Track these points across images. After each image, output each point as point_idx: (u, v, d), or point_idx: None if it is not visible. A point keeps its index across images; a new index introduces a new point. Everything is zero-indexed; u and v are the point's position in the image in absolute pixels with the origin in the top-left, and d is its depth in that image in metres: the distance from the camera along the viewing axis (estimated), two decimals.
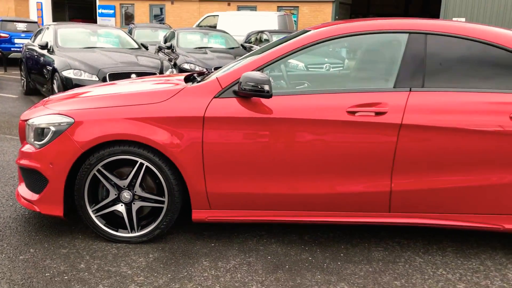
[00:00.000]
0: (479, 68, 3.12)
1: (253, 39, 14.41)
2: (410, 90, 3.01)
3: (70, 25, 9.76)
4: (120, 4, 26.90)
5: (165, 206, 3.12)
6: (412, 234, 3.46)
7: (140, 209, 3.18)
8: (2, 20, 17.18)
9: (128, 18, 26.95)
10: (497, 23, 18.17)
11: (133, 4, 26.51)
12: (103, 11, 27.46)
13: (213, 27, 19.32)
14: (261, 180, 3.04)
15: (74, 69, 7.61)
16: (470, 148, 2.96)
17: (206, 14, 20.81)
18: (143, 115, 3.01)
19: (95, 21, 27.87)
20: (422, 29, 3.12)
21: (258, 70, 3.05)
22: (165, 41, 13.20)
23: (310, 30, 3.30)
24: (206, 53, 11.13)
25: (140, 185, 3.13)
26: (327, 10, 21.37)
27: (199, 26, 19.92)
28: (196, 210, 3.13)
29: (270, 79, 2.91)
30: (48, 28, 9.61)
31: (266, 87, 2.86)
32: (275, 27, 18.08)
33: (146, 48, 9.78)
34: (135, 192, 3.12)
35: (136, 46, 9.63)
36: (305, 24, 22.01)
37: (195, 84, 3.17)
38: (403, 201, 3.06)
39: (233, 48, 12.13)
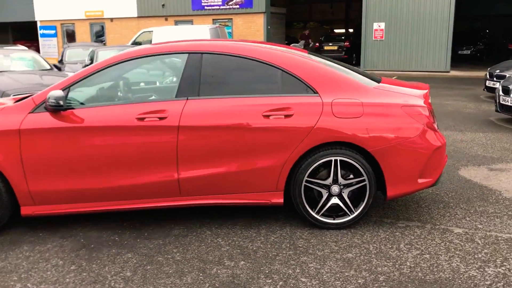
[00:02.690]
0: (242, 78, 3.95)
1: None
2: (187, 99, 3.79)
3: None
4: (61, 24, 27.22)
5: None
6: (216, 214, 4.23)
7: None
8: None
9: (70, 37, 27.29)
10: (413, 26, 19.50)
11: (74, 23, 26.88)
12: (45, 31, 27.73)
13: (149, 42, 20.00)
14: (75, 178, 3.75)
15: None
16: (236, 141, 3.76)
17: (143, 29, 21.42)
18: None
19: (38, 42, 28.11)
20: (199, 50, 3.92)
21: (65, 89, 3.78)
22: (91, 60, 13.81)
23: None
24: None
25: None
26: (259, 21, 22.35)
27: (135, 42, 20.56)
28: (24, 207, 3.81)
29: (64, 95, 3.64)
30: None
31: (61, 102, 3.60)
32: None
33: (59, 69, 10.40)
34: None
35: (48, 67, 10.22)
36: (239, 34, 22.92)
37: (15, 103, 3.88)
38: (190, 186, 3.82)
39: None
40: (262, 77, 3.94)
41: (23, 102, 3.81)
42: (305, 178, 3.83)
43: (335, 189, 3.86)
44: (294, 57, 3.99)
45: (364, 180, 3.85)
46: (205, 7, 23.19)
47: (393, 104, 3.85)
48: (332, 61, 4.44)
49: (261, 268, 3.26)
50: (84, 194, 3.79)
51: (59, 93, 3.62)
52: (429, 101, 4.16)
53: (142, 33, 20.97)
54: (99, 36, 26.59)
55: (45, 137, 3.71)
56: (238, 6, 22.51)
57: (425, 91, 4.17)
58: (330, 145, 3.81)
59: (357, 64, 21.70)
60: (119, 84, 4.17)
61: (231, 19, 22.98)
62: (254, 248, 3.58)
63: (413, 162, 3.86)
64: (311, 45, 23.48)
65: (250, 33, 22.64)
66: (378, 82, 4.25)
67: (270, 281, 3.10)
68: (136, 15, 24.90)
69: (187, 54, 3.91)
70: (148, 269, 3.27)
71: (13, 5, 29.07)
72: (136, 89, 4.23)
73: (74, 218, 4.17)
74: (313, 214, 3.89)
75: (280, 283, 3.07)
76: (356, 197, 3.92)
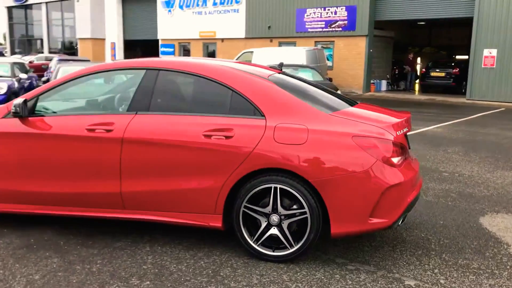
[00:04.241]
0: (194, 96, 3.92)
1: None
2: (136, 113, 3.85)
3: (72, 64, 11.50)
4: (179, 43, 29.33)
5: None
6: (171, 231, 4.18)
7: None
8: (59, 59, 19.88)
9: (186, 55, 29.27)
10: None
11: (189, 43, 28.80)
12: (164, 49, 30.09)
13: (249, 62, 20.67)
14: (31, 181, 3.99)
15: None
16: (176, 158, 3.71)
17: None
18: None
19: None
20: (156, 66, 3.97)
21: (33, 98, 4.06)
22: None
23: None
24: None
25: None
26: (361, 44, 21.79)
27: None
28: None
29: (22, 105, 3.90)
30: (55, 66, 11.42)
31: (18, 109, 3.88)
32: (304, 61, 18.97)
33: None
34: None
35: None
36: (340, 57, 22.58)
37: None
38: (133, 200, 3.85)
39: None
40: (213, 96, 3.86)
41: (0, 107, 4.18)
42: (244, 204, 3.63)
43: (274, 218, 3.60)
44: (249, 78, 3.85)
45: (306, 213, 3.54)
46: (309, 30, 23.29)
47: (343, 133, 3.50)
48: (309, 84, 4.22)
49: None
50: (39, 197, 4.01)
51: (19, 101, 3.91)
52: (402, 131, 3.72)
53: (243, 53, 21.72)
54: (211, 55, 28.10)
55: (12, 141, 4.02)
56: (340, 29, 22.24)
57: (396, 121, 3.74)
58: (271, 172, 3.58)
59: (465, 93, 20.05)
60: (82, 95, 4.39)
61: (333, 41, 22.76)
62: (174, 270, 3.47)
63: (361, 198, 3.46)
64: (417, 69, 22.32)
65: (351, 56, 22.19)
66: (352, 105, 3.95)
67: None
68: (244, 36, 25.88)
69: (145, 70, 3.98)
70: (58, 275, 3.35)
71: (141, 26, 32.11)
72: (95, 101, 4.41)
73: (45, 219, 4.41)
74: (250, 242, 3.66)
75: None
76: (301, 230, 3.62)
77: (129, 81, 4.22)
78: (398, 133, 3.64)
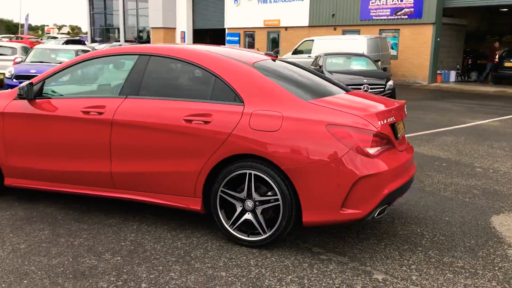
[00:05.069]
0: (180, 81, 4.01)
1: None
2: (126, 97, 4.01)
3: None
4: (244, 31, 29.62)
5: None
6: (162, 212, 4.33)
7: None
8: None
9: (250, 44, 29.51)
10: None
11: (254, 31, 28.98)
12: (230, 38, 30.52)
13: (310, 51, 20.51)
14: (33, 158, 4.30)
15: None
16: (158, 141, 3.83)
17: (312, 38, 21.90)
18: None
19: None
20: (148, 52, 4.10)
21: (40, 82, 4.35)
22: None
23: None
24: None
25: None
26: (427, 33, 20.78)
27: (296, 50, 21.27)
28: (7, 178, 4.52)
29: (26, 87, 4.19)
30: None
31: (21, 92, 4.18)
32: (364, 50, 18.48)
33: None
34: None
35: None
36: (405, 45, 21.71)
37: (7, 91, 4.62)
38: (122, 180, 4.03)
39: None
40: (197, 81, 3.94)
41: (12, 90, 4.53)
42: (221, 188, 3.69)
43: (248, 204, 3.63)
44: (232, 64, 3.87)
45: (278, 199, 3.53)
46: (373, 17, 22.58)
47: (317, 121, 3.44)
48: (306, 71, 4.20)
49: (125, 267, 3.30)
50: (49, 174, 4.30)
51: (23, 84, 4.21)
52: (386, 121, 3.59)
53: (304, 41, 21.52)
54: (274, 44, 28.10)
55: (22, 121, 4.34)
56: (406, 17, 21.34)
57: (381, 110, 3.61)
58: (247, 158, 3.60)
59: None
60: (80, 80, 4.62)
61: (399, 29, 21.90)
62: (148, 249, 3.61)
63: (333, 188, 3.39)
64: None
65: (417, 45, 21.25)
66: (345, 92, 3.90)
67: (114, 279, 3.13)
68: (307, 25, 25.60)
69: (138, 56, 4.12)
70: (42, 246, 3.60)
71: (210, 15, 32.79)
72: (93, 85, 4.61)
73: (56, 195, 4.72)
74: (227, 226, 3.72)
75: (119, 283, 3.08)
76: (275, 217, 3.61)
77: (125, 66, 4.40)
78: (380, 123, 3.52)
